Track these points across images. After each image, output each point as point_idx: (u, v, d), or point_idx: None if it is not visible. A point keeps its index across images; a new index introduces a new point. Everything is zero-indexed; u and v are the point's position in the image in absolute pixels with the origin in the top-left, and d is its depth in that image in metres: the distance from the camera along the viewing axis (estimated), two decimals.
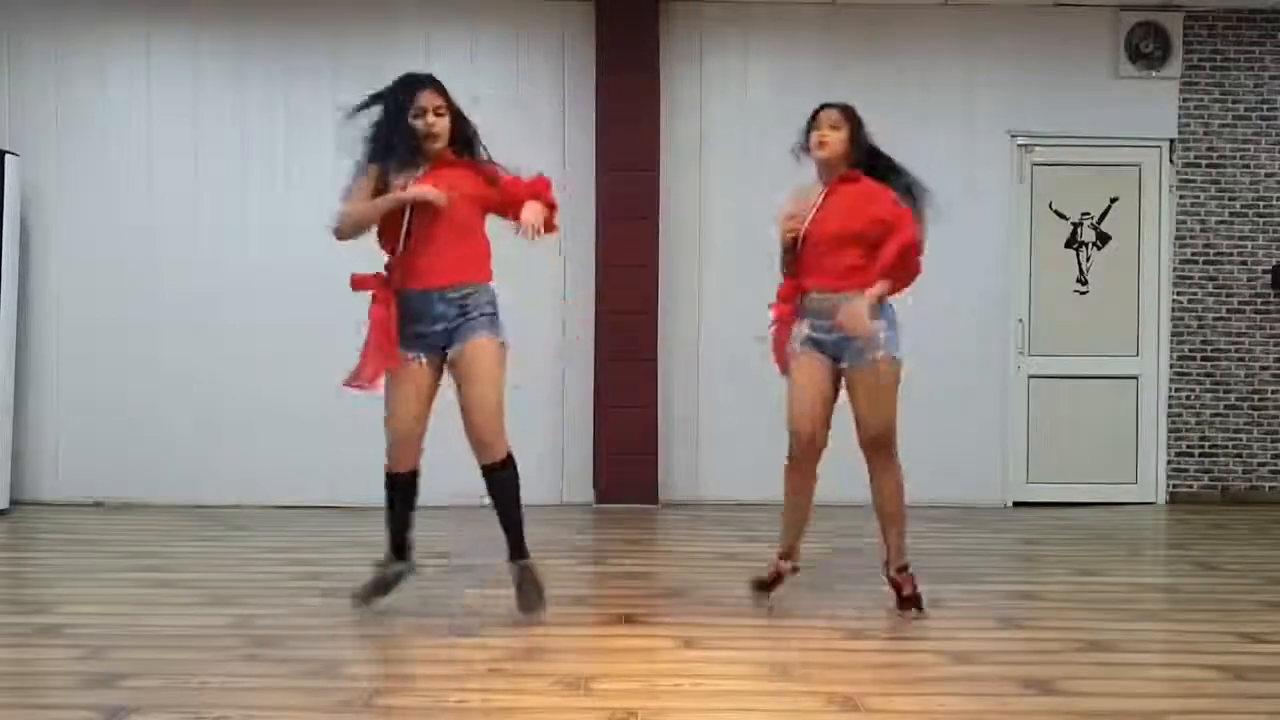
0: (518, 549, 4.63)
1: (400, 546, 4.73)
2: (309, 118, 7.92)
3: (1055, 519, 7.55)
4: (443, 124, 4.51)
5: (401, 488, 4.69)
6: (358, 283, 4.59)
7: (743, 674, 4.03)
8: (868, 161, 4.80)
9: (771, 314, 4.91)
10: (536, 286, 7.66)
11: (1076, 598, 5.26)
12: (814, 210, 4.75)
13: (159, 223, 7.86)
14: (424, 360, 4.55)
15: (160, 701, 3.62)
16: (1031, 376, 8.15)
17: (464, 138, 4.59)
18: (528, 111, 7.97)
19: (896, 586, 4.81)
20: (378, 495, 7.85)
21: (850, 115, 4.79)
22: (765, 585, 4.90)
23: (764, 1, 8.02)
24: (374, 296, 4.56)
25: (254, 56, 7.96)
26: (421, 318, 4.51)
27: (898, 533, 4.80)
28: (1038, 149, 8.15)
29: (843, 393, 4.79)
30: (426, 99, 4.50)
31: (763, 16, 8.06)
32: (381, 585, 4.70)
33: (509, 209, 4.59)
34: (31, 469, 7.78)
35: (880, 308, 4.65)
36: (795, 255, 4.78)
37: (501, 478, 4.60)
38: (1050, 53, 8.08)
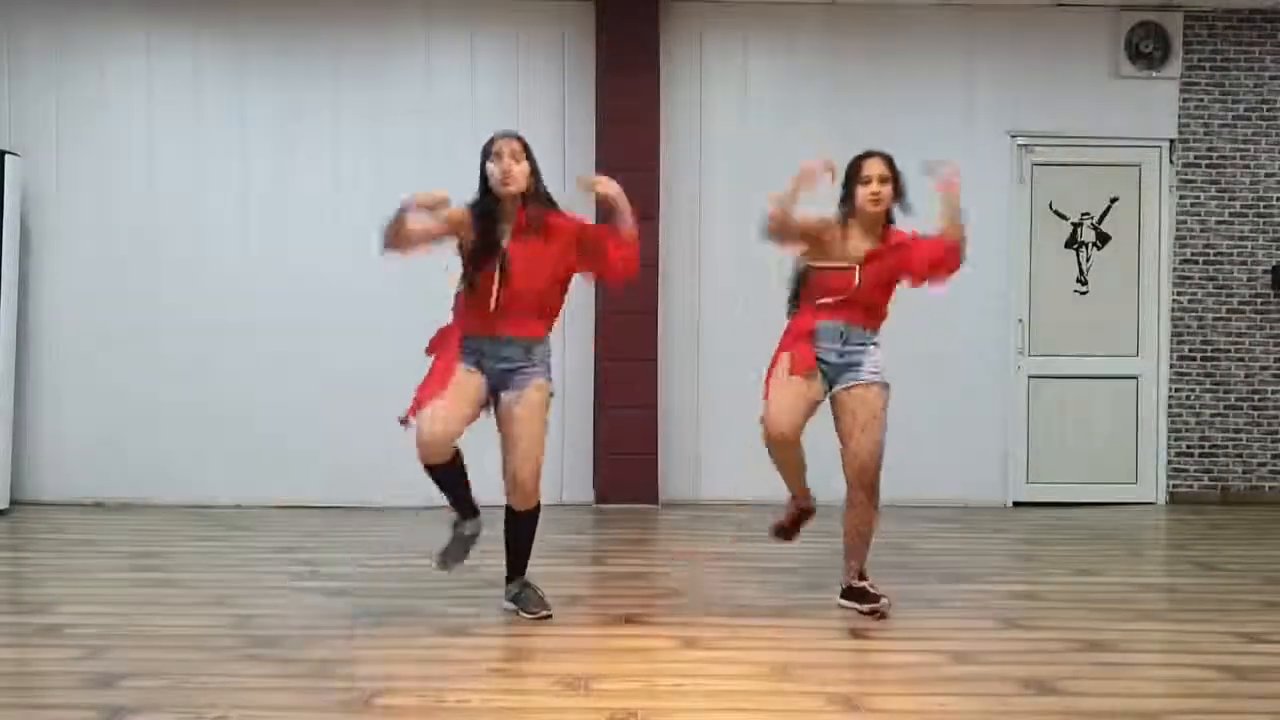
0: (521, 570, 4.74)
1: (466, 508, 4.71)
2: (309, 118, 7.93)
3: (1055, 519, 7.55)
4: (520, 170, 4.52)
5: (443, 473, 4.60)
6: (434, 347, 4.65)
7: (743, 674, 4.03)
8: None
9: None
10: None
11: (1076, 598, 5.26)
12: (861, 265, 4.76)
13: (159, 223, 7.86)
14: (480, 376, 4.55)
15: (160, 701, 3.62)
16: (1031, 376, 8.15)
17: (540, 194, 4.60)
18: (528, 111, 7.97)
19: (860, 591, 4.80)
20: (378, 495, 7.87)
21: (894, 166, 4.80)
22: (786, 529, 5.04)
23: (764, 1, 8.02)
24: (441, 348, 4.61)
25: (254, 56, 7.95)
26: (488, 354, 4.55)
27: (863, 550, 4.85)
28: (1038, 149, 8.15)
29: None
30: (503, 145, 4.54)
31: (763, 16, 8.06)
32: (461, 546, 4.72)
33: (593, 262, 4.65)
34: (31, 469, 7.77)
35: (879, 344, 4.83)
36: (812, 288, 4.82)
37: (526, 521, 4.67)
38: (1050, 53, 8.08)
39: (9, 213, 7.38)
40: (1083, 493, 8.06)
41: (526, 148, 4.60)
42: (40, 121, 7.85)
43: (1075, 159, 8.14)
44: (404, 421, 4.53)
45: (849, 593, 4.84)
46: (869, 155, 4.80)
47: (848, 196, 4.80)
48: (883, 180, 4.74)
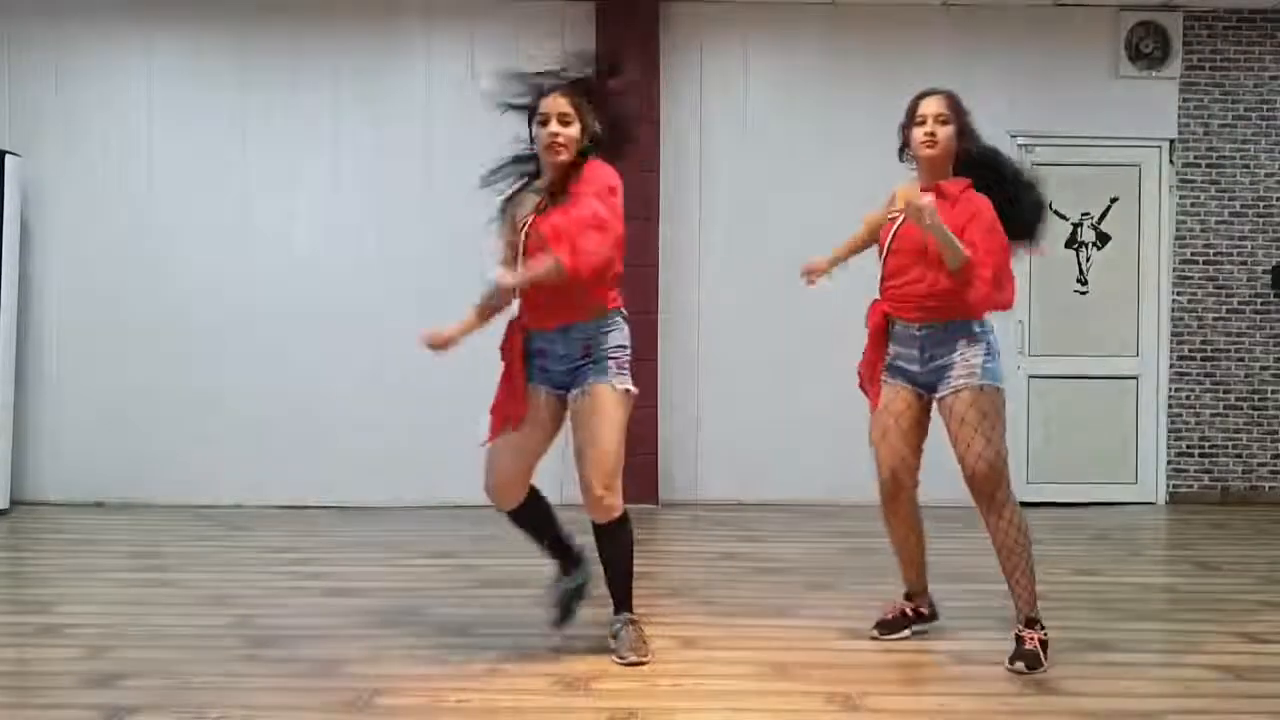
0: (624, 603, 4.29)
1: (563, 557, 4.41)
2: (309, 118, 7.93)
3: (1055, 519, 7.54)
4: (569, 134, 4.06)
5: (518, 521, 4.37)
6: (505, 349, 4.26)
7: (743, 674, 4.03)
8: (978, 167, 4.18)
9: (868, 324, 4.36)
10: None
11: (1076, 598, 5.25)
12: (898, 219, 4.18)
13: (159, 223, 7.86)
14: (546, 393, 4.21)
15: (160, 701, 3.63)
16: (1031, 376, 8.14)
17: (601, 143, 4.10)
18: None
19: (1019, 640, 4.17)
20: (378, 495, 7.87)
21: (955, 105, 4.14)
22: (885, 625, 4.49)
23: (764, 1, 8.02)
24: (506, 348, 4.23)
25: (255, 56, 7.95)
26: (547, 355, 4.18)
27: (1020, 579, 4.23)
28: (1038, 149, 8.14)
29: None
30: (550, 105, 4.06)
31: (763, 16, 8.06)
32: (564, 599, 4.39)
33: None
34: (31, 469, 7.77)
35: (979, 334, 4.18)
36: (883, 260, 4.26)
37: (614, 534, 4.24)
38: (1050, 53, 8.09)
39: (9, 213, 7.39)
40: (1083, 493, 8.06)
41: (575, 102, 4.06)
42: (40, 121, 7.85)
43: (1075, 159, 8.13)
44: (485, 444, 4.22)
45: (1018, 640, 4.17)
46: (926, 94, 4.17)
47: (904, 145, 4.21)
48: (939, 120, 4.09)
